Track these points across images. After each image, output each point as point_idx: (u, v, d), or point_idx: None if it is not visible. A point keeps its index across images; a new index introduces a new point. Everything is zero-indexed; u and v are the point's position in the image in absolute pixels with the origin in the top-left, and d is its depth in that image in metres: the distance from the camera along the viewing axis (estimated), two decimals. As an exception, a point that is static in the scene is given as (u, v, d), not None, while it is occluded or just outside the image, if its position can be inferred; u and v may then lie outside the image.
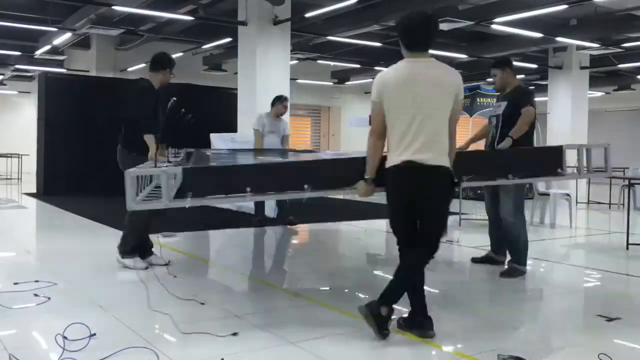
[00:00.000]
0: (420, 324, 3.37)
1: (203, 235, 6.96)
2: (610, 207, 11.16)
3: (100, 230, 7.64)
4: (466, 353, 3.10)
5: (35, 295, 4.07)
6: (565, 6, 9.24)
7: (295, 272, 5.37)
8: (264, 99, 8.30)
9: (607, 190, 11.20)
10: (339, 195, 5.10)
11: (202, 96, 12.40)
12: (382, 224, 7.47)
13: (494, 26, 10.20)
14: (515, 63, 5.45)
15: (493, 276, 4.97)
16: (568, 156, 4.06)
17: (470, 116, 11.73)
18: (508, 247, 4.94)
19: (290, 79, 10.60)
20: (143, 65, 16.70)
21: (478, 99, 11.85)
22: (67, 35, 13.85)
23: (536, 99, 5.04)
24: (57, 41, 14.55)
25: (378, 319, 3.26)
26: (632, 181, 6.87)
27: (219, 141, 8.97)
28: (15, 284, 4.37)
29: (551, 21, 11.66)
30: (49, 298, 4.02)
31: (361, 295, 4.65)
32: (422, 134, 3.24)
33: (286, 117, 8.12)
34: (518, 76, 10.12)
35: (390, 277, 3.43)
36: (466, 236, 6.90)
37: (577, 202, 10.41)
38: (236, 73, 10.27)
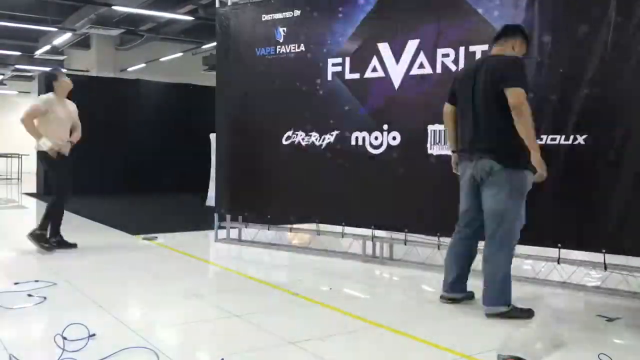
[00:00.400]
0: None
1: (191, 236, 6.95)
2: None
3: (100, 229, 7.64)
4: (466, 353, 3.10)
5: (30, 295, 4.06)
6: None
7: (296, 272, 5.37)
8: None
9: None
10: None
11: (202, 96, 12.41)
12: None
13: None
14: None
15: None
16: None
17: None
18: None
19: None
20: (143, 65, 16.76)
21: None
22: (67, 35, 13.87)
23: None
24: (57, 41, 14.57)
25: None
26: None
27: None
28: (16, 284, 4.37)
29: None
30: (45, 298, 4.01)
31: (361, 296, 4.64)
32: None
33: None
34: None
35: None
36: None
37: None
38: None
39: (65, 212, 6.53)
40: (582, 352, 3.22)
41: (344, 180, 5.63)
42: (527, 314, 3.77)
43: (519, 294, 4.55)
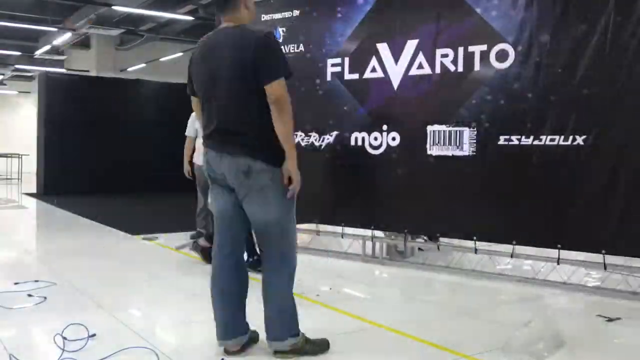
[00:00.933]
0: None
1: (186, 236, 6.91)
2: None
3: (100, 230, 7.64)
4: (466, 353, 3.10)
5: (30, 295, 4.07)
6: None
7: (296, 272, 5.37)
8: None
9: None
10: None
11: (202, 96, 12.40)
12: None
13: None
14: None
15: (490, 276, 4.97)
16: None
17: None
18: None
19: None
20: (143, 65, 16.76)
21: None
22: (67, 35, 13.86)
23: None
24: (57, 41, 14.56)
25: None
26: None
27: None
28: (16, 284, 4.38)
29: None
30: (45, 298, 4.02)
31: (361, 296, 4.64)
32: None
33: None
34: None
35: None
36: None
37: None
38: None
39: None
40: (582, 352, 3.23)
41: (344, 180, 5.63)
42: (322, 347, 3.13)
43: (520, 294, 4.56)
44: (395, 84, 5.28)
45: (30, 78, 21.04)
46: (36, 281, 4.44)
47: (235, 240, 3.07)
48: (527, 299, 4.41)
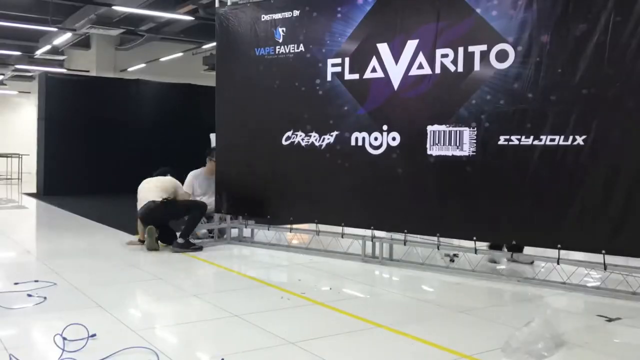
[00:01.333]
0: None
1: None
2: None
3: (100, 230, 7.64)
4: (466, 353, 3.11)
5: (30, 295, 4.07)
6: None
7: (296, 272, 5.38)
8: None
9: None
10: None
11: (202, 96, 12.42)
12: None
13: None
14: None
15: (491, 276, 4.97)
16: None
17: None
18: None
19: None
20: (143, 65, 16.75)
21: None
22: (67, 35, 13.86)
23: None
24: (57, 41, 14.56)
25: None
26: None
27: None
28: (16, 284, 4.38)
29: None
30: (45, 298, 4.02)
31: (361, 296, 4.65)
32: None
33: None
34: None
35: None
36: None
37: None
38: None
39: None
40: (582, 352, 3.23)
41: (344, 180, 5.63)
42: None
43: (520, 294, 4.57)
44: (396, 84, 5.28)
45: (30, 78, 21.04)
46: (36, 281, 4.44)
47: None
48: (527, 299, 4.42)
